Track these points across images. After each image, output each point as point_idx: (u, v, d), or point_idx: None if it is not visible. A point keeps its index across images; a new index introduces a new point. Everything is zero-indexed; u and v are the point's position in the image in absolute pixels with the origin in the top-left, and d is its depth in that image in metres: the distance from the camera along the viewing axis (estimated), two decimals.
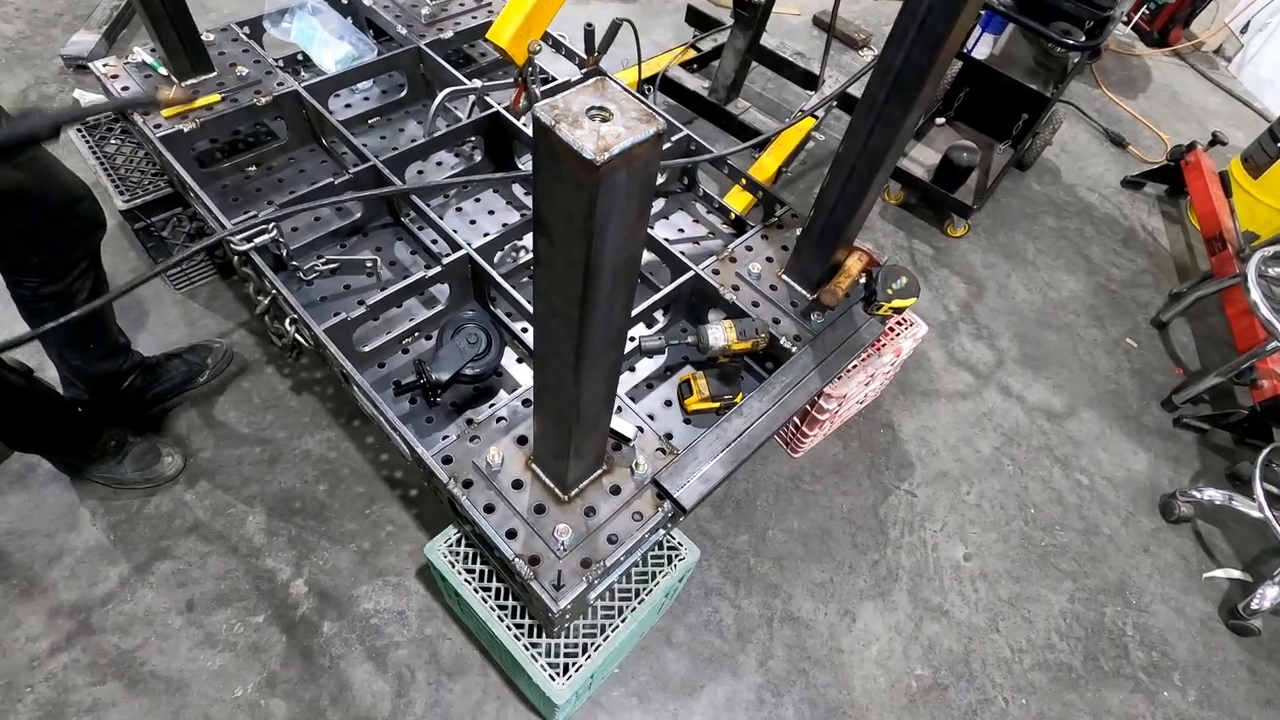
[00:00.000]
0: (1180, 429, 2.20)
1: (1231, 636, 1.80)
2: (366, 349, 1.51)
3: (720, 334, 1.40)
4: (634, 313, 1.52)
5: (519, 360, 1.59)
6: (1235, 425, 2.14)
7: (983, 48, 2.24)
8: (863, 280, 1.56)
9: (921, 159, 2.61)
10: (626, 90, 0.67)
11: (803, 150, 2.60)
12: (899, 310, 1.56)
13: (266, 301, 1.55)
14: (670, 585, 1.35)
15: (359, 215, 1.74)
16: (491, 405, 1.50)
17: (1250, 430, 2.12)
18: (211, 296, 2.04)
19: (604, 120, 0.63)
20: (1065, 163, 2.98)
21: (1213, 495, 1.94)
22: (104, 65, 1.77)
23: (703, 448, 1.28)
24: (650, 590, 1.33)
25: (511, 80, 1.91)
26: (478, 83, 1.82)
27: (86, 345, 1.57)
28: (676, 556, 1.37)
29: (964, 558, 1.83)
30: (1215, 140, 2.79)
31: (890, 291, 1.52)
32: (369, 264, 1.68)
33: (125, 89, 1.73)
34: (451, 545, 1.33)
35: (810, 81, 2.72)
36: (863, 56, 3.27)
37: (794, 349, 1.47)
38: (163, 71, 1.75)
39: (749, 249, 1.66)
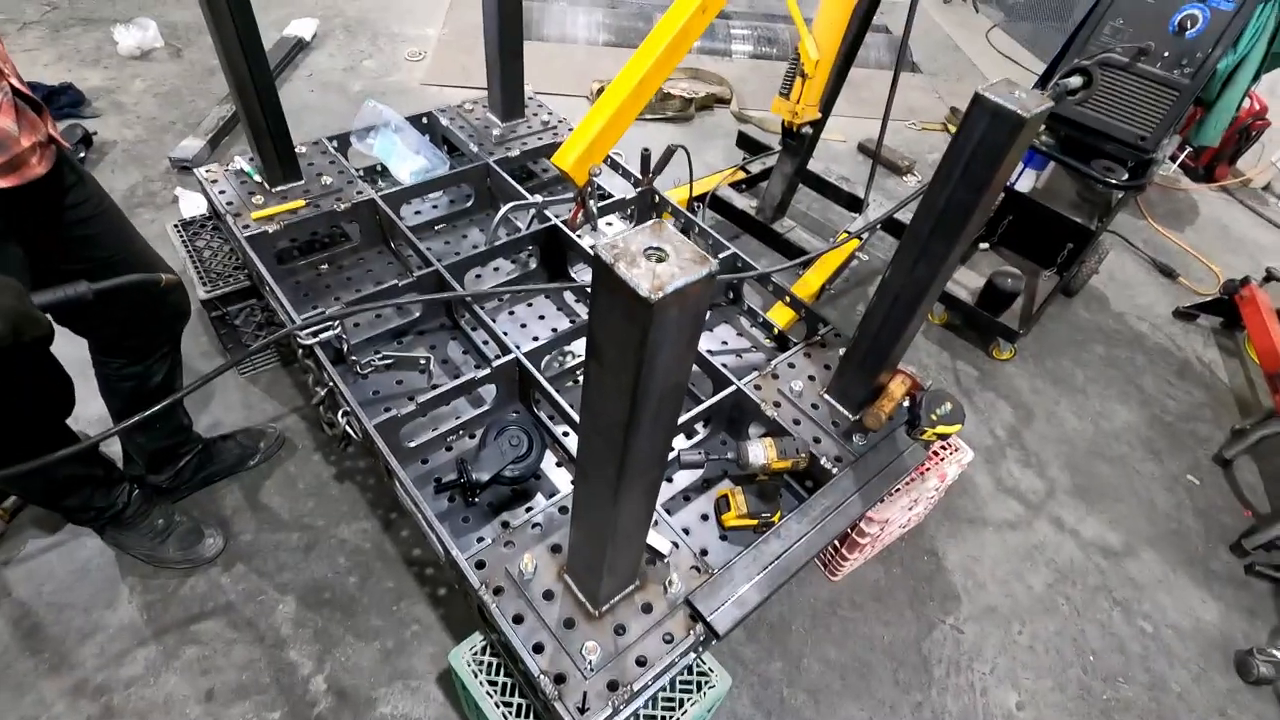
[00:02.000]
0: (1253, 577, 2.05)
1: None
2: (412, 444, 1.55)
3: (760, 452, 1.40)
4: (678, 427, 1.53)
5: (559, 464, 1.61)
6: None
7: (1026, 181, 2.31)
8: (905, 404, 1.55)
9: (965, 282, 2.64)
10: (681, 233, 0.71)
11: (846, 269, 2.66)
12: (943, 437, 1.54)
13: (323, 393, 1.62)
14: (699, 715, 1.29)
15: (417, 314, 1.84)
16: (528, 509, 1.51)
17: None
18: (272, 382, 2.13)
19: (659, 260, 0.67)
20: (1114, 291, 2.97)
21: None
22: (206, 171, 1.96)
23: (739, 569, 1.25)
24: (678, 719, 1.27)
25: (570, 196, 2.05)
26: (538, 198, 1.95)
27: (154, 424, 1.65)
28: (706, 683, 1.31)
29: (1016, 706, 1.70)
30: (1270, 276, 2.75)
31: (934, 417, 1.50)
32: (422, 361, 1.75)
33: (222, 192, 1.90)
34: (476, 654, 1.30)
35: (855, 204, 2.82)
36: (907, 182, 3.39)
37: (835, 470, 1.45)
38: (257, 178, 1.92)
39: (791, 366, 1.68)
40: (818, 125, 2.34)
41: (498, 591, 1.20)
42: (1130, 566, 2.03)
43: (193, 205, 2.50)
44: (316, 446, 1.99)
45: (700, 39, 4.29)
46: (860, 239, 2.63)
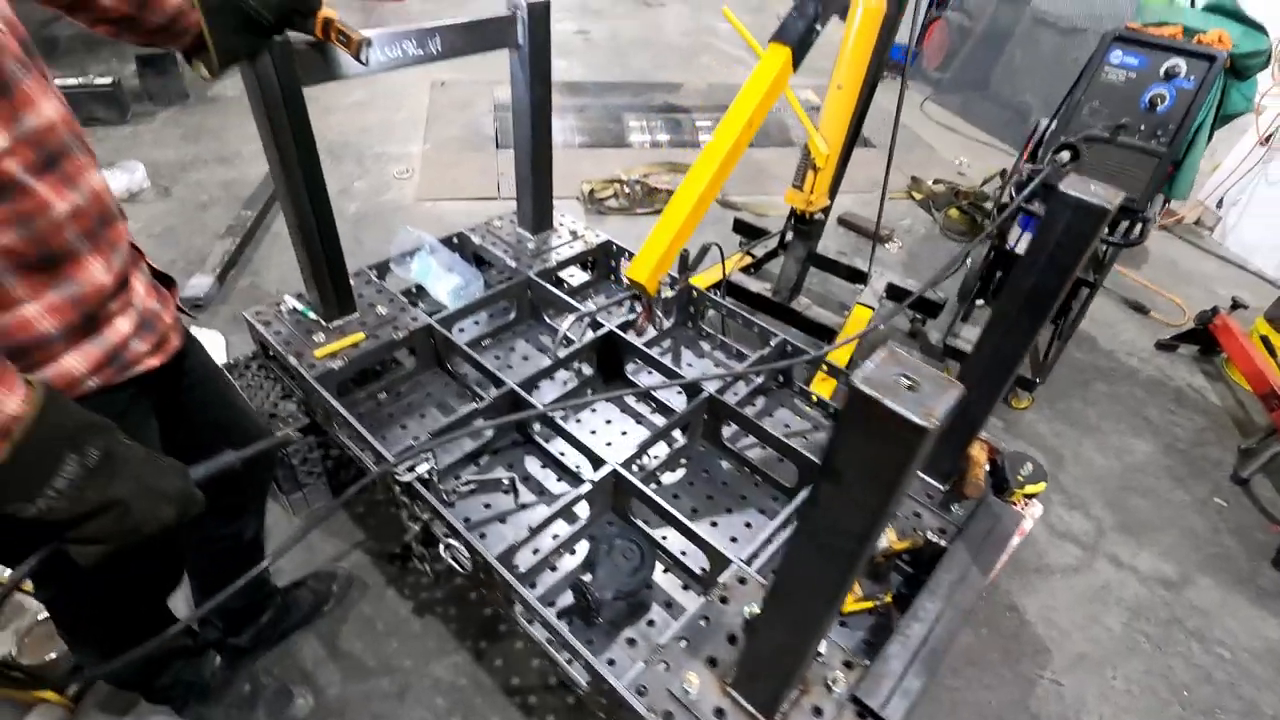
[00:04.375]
0: None
1: None
2: (522, 570, 1.52)
3: (881, 535, 1.43)
4: (779, 519, 1.56)
5: (665, 570, 1.60)
6: None
7: (1022, 244, 2.51)
8: (987, 468, 1.63)
9: (971, 338, 2.80)
10: (912, 356, 0.77)
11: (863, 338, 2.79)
12: (1031, 496, 1.62)
13: (418, 528, 1.59)
14: None
15: (490, 435, 1.84)
16: (650, 623, 1.49)
17: None
18: (329, 521, 2.06)
19: (911, 389, 0.73)
20: (1098, 331, 3.19)
21: None
22: (256, 312, 1.95)
23: (894, 657, 1.26)
24: None
25: (617, 300, 2.13)
26: (592, 305, 2.01)
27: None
28: None
29: None
30: (1236, 304, 3.02)
31: (1021, 479, 1.58)
32: (505, 482, 1.74)
33: (278, 333, 1.89)
34: None
35: (855, 276, 3.00)
36: (889, 249, 3.61)
37: (944, 543, 1.49)
38: (312, 316, 1.93)
39: None
40: (826, 210, 2.51)
41: (667, 717, 1.17)
42: (1191, 595, 2.12)
43: (210, 345, 2.46)
44: (388, 582, 1.93)
45: (669, 133, 4.55)
46: (871, 307, 2.77)
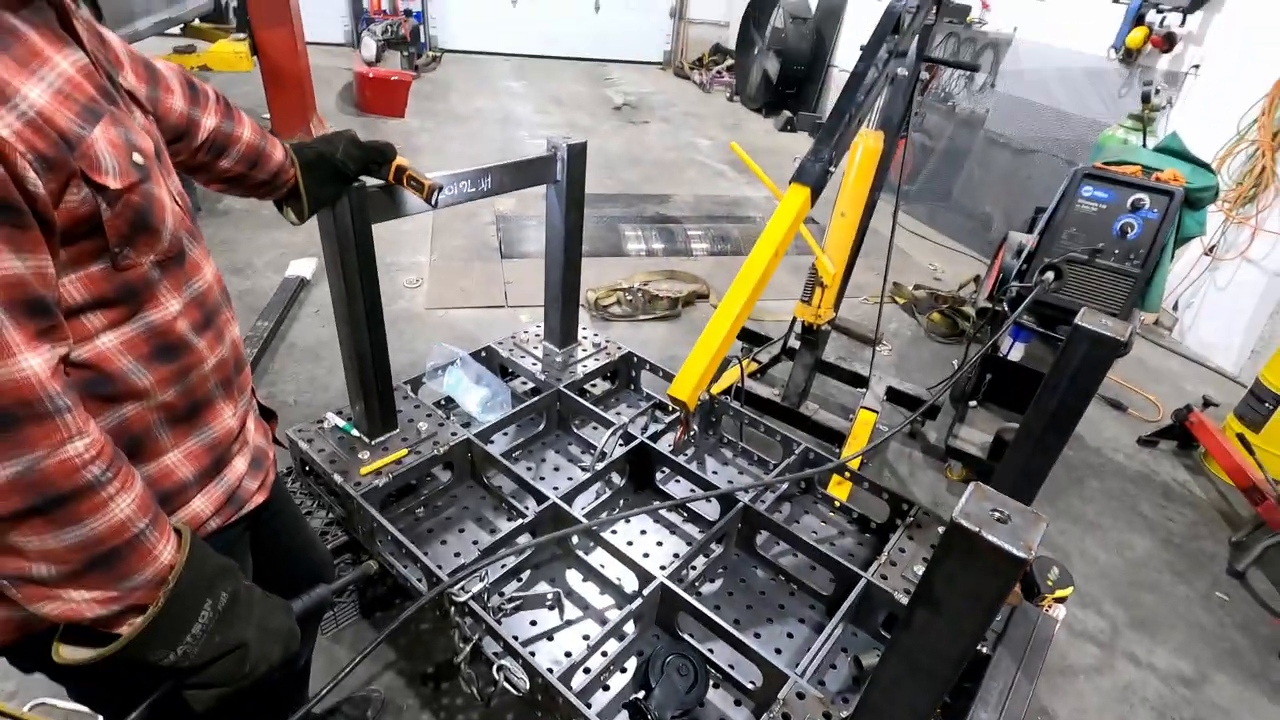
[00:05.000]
0: None
1: None
2: (577, 689, 1.52)
3: None
4: (829, 632, 1.61)
5: (716, 686, 1.62)
6: None
7: (1015, 353, 2.70)
8: None
9: (970, 439, 2.94)
10: (1000, 494, 0.87)
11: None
12: (1059, 600, 1.69)
13: (468, 649, 1.59)
14: None
15: (531, 551, 1.87)
16: None
17: None
18: (357, 638, 2.03)
19: (1001, 521, 0.82)
20: (1084, 429, 3.36)
21: None
22: (298, 431, 2.00)
23: None
24: None
25: (643, 411, 2.23)
26: (624, 418, 2.10)
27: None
28: None
29: None
30: (1207, 402, 3.23)
31: (1050, 583, 1.66)
32: (550, 598, 1.76)
33: (321, 450, 1.93)
34: None
35: (856, 380, 3.15)
36: (882, 352, 3.81)
37: (986, 650, 1.55)
38: (354, 433, 1.98)
39: (902, 550, 1.82)
40: (831, 321, 2.69)
41: None
42: (1210, 693, 2.17)
43: None
44: (422, 704, 1.88)
45: (663, 242, 4.80)
46: (875, 410, 2.91)
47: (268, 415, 1.20)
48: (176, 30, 5.02)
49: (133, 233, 0.77)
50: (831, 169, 1.98)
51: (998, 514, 0.82)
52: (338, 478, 1.84)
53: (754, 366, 3.11)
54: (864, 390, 3.05)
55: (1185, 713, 2.09)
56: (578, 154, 2.11)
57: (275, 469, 1.17)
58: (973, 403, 3.13)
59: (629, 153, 6.61)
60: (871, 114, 2.19)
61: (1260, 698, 2.16)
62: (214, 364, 0.94)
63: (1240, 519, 2.87)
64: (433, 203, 1.63)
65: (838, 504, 2.11)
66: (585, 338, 2.58)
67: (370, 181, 1.61)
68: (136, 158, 0.77)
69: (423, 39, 9.02)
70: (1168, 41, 4.18)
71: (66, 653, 0.78)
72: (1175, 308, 4.29)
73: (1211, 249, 4.02)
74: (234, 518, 1.02)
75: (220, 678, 0.86)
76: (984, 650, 1.55)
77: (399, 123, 6.51)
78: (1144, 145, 2.54)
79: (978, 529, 0.80)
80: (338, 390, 3.01)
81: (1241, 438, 2.87)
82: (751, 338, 3.35)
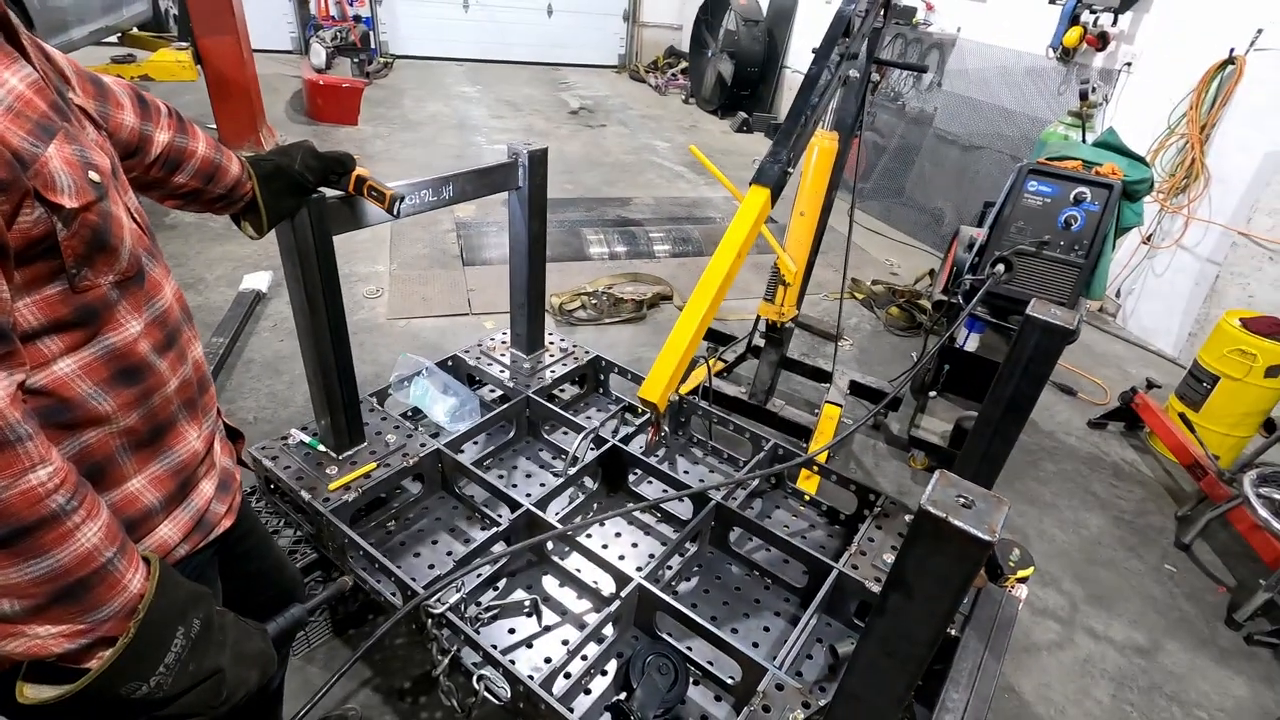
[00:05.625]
0: (1254, 646, 2.36)
1: None
2: (558, 695, 1.53)
3: None
4: (803, 625, 1.64)
5: (695, 683, 1.63)
6: None
7: (970, 343, 2.79)
8: None
9: (931, 428, 3.03)
10: (965, 481, 0.90)
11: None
12: (1021, 580, 1.75)
13: (446, 661, 1.58)
14: None
15: (506, 559, 1.86)
16: None
17: None
18: (330, 657, 2.00)
19: (966, 506, 0.86)
20: (1036, 414, 3.48)
21: None
22: (262, 449, 1.95)
23: None
24: None
25: (611, 413, 2.24)
26: (596, 422, 2.11)
27: None
28: None
29: None
30: (1150, 384, 3.38)
31: (1012, 564, 1.72)
32: (527, 605, 1.76)
33: (287, 468, 1.89)
34: None
35: (819, 375, 3.22)
36: (843, 346, 3.89)
37: (954, 632, 1.60)
38: (321, 448, 1.94)
39: (871, 540, 1.87)
40: (794, 319, 2.74)
41: None
42: (1164, 660, 2.27)
43: None
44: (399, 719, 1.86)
45: (625, 245, 4.82)
46: (840, 404, 2.97)
47: (234, 435, 1.18)
48: (114, 39, 4.85)
49: (90, 253, 0.75)
50: (790, 170, 2.02)
51: (962, 500, 0.86)
52: (305, 494, 1.80)
53: (720, 366, 3.14)
54: (828, 385, 3.11)
55: (1141, 681, 2.19)
56: (539, 160, 2.11)
57: (242, 491, 1.15)
58: (932, 393, 3.22)
59: (588, 156, 6.62)
60: (826, 115, 2.24)
61: (1209, 663, 2.28)
62: (177, 385, 0.92)
63: (1185, 494, 3.02)
64: (394, 213, 1.61)
65: (807, 498, 2.15)
66: (552, 343, 2.58)
67: (329, 193, 1.59)
68: (93, 175, 0.75)
69: (373, 45, 8.88)
70: (1101, 40, 4.37)
71: (31, 692, 0.75)
72: (1118, 295, 4.47)
73: (1149, 238, 4.21)
74: (202, 543, 0.99)
75: (196, 707, 0.84)
76: (953, 633, 1.60)
77: (352, 130, 6.39)
78: (1084, 141, 2.66)
79: (945, 515, 0.83)
80: (300, 405, 2.95)
81: (1183, 417, 3.01)
82: (717, 337, 3.39)
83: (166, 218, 4.40)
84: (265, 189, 1.33)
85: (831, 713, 1.11)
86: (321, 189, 1.54)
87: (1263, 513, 2.32)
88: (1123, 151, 2.51)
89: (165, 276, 0.93)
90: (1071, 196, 2.37)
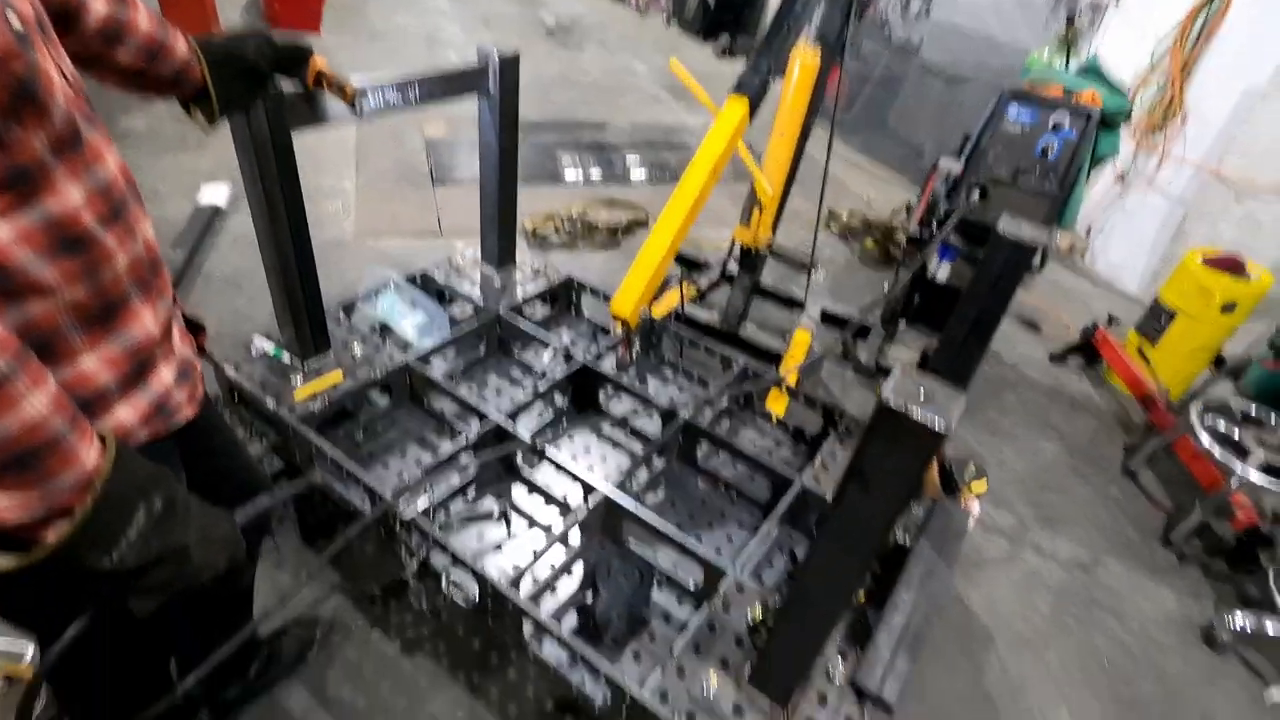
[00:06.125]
0: (1185, 564, 2.51)
1: None
2: (526, 594, 1.57)
3: None
4: (765, 532, 1.69)
5: (659, 587, 1.69)
6: (1228, 553, 2.47)
7: (942, 272, 2.80)
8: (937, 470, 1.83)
9: (900, 357, 3.08)
10: (926, 372, 0.92)
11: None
12: (978, 496, 1.82)
13: (416, 565, 1.61)
14: None
15: (474, 472, 1.87)
16: (652, 636, 1.57)
17: (1240, 556, 2.46)
18: (298, 563, 2.02)
19: (927, 400, 0.87)
20: (1000, 346, 3.56)
21: (1243, 622, 2.19)
22: (225, 358, 1.91)
23: (883, 644, 1.40)
24: None
25: (580, 331, 2.23)
26: (566, 339, 2.10)
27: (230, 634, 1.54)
28: None
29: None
30: (1111, 320, 3.46)
31: (967, 478, 1.79)
32: (496, 512, 1.79)
33: (251, 376, 1.86)
34: None
35: (790, 304, 3.23)
36: (816, 277, 3.89)
37: (907, 541, 1.67)
38: (285, 358, 1.91)
39: (834, 456, 1.91)
40: (769, 245, 2.72)
41: (690, 718, 1.26)
42: (1103, 576, 2.41)
43: None
44: (371, 624, 1.90)
45: (602, 169, 4.71)
46: (811, 330, 2.99)
47: (195, 329, 1.14)
48: None
49: (16, 104, 0.70)
50: (770, 79, 1.96)
51: (922, 392, 0.87)
52: (270, 402, 1.78)
53: (694, 291, 3.12)
54: (800, 312, 3.13)
55: (1081, 595, 2.32)
56: (510, 64, 2.02)
57: (204, 384, 1.13)
58: (902, 322, 3.26)
59: (564, 77, 6.37)
60: (810, 26, 2.16)
61: (1145, 578, 2.42)
62: (126, 263, 0.88)
63: (1135, 426, 3.13)
64: (356, 109, 1.54)
65: (775, 419, 2.19)
66: (524, 264, 2.53)
67: (288, 87, 1.51)
68: (14, 20, 0.69)
69: None
70: None
71: None
72: (1088, 233, 4.52)
73: (1123, 176, 4.22)
74: (165, 431, 0.98)
75: (161, 583, 0.84)
76: (907, 542, 1.67)
77: (315, 39, 6.04)
78: (1067, 65, 2.61)
79: (903, 406, 0.84)
80: (263, 321, 2.85)
81: (1140, 351, 3.10)
82: (691, 265, 3.36)
83: (117, 127, 4.16)
84: (216, 74, 1.25)
85: (787, 604, 1.16)
86: (280, 83, 1.47)
87: (1205, 441, 2.43)
88: (1105, 80, 2.48)
89: (107, 146, 0.89)
90: (1050, 123, 2.35)
